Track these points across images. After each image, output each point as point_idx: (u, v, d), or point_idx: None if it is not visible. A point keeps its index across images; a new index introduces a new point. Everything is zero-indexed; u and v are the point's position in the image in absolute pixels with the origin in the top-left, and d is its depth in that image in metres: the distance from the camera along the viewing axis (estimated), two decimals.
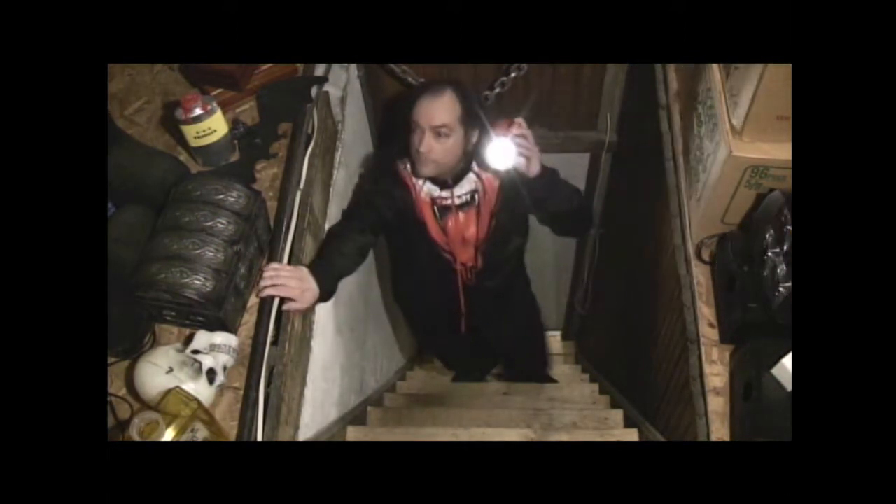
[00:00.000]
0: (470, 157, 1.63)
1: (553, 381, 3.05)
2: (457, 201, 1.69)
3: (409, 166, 1.66)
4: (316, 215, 1.64)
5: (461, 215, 1.71)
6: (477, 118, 1.58)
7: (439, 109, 1.53)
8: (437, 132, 1.54)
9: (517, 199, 1.67)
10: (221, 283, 1.30)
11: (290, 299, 1.40)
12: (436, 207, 1.70)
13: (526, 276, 2.22)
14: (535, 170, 1.55)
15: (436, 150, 1.56)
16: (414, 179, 1.66)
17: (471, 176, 1.67)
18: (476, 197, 1.69)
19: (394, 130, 1.95)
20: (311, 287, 1.45)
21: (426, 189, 1.68)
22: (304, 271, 1.45)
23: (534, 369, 2.93)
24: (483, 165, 1.64)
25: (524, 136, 1.50)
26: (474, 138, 1.60)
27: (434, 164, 1.59)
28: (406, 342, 3.23)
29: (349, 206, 1.84)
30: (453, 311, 1.99)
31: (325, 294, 1.51)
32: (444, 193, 1.68)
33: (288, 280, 1.39)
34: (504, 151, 1.50)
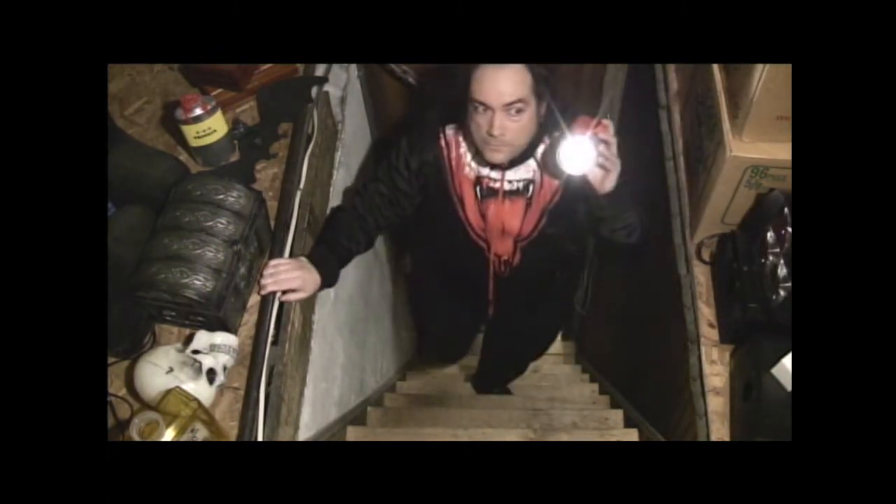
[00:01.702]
0: (538, 135, 1.39)
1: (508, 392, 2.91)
2: (506, 186, 1.45)
3: (458, 135, 1.45)
4: (316, 215, 1.64)
5: (507, 203, 1.47)
6: (546, 85, 1.32)
7: (510, 82, 1.26)
8: (512, 108, 1.28)
9: (577, 207, 1.44)
10: (221, 283, 1.30)
11: (292, 290, 1.39)
12: (479, 187, 1.47)
13: (568, 290, 1.99)
14: (608, 186, 1.28)
15: (511, 130, 1.31)
16: (460, 150, 1.45)
17: (530, 162, 1.42)
18: (531, 188, 1.44)
19: (437, 97, 1.74)
20: (311, 276, 1.42)
21: (472, 164, 1.46)
22: (304, 261, 1.42)
23: (502, 379, 2.82)
24: (547, 162, 1.40)
25: (608, 142, 1.24)
26: (544, 108, 1.35)
27: (509, 147, 1.34)
28: (406, 343, 3.23)
29: (366, 181, 1.61)
30: (480, 297, 1.77)
31: (329, 281, 1.47)
32: (494, 174, 1.45)
33: (287, 273, 1.38)
34: (579, 153, 1.23)
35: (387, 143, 2.14)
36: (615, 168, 1.26)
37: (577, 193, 1.38)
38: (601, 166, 1.25)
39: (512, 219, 1.50)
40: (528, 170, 1.42)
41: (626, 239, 1.39)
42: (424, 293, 2.22)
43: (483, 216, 1.50)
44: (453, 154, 1.45)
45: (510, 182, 1.44)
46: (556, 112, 1.33)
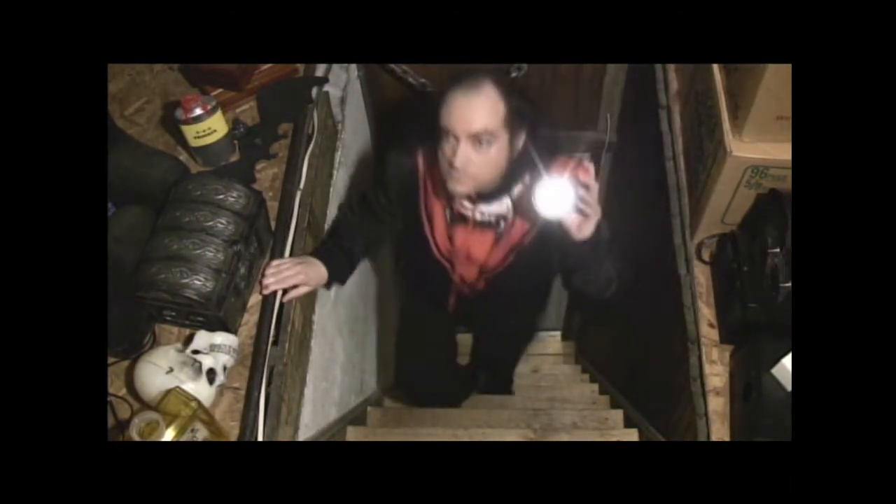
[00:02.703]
0: (512, 171, 1.29)
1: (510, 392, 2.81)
2: (478, 216, 1.38)
3: (425, 158, 1.41)
4: (316, 215, 1.65)
5: (476, 233, 1.41)
6: (524, 116, 1.25)
7: (478, 110, 1.19)
8: (477, 140, 1.20)
9: (549, 250, 1.37)
10: (221, 283, 1.30)
11: (294, 286, 1.42)
12: (450, 210, 1.41)
13: (540, 303, 1.91)
14: (585, 233, 1.19)
15: (475, 162, 1.22)
16: (435, 172, 1.36)
17: (505, 199, 1.34)
18: (502, 223, 1.38)
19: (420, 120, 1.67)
20: (315, 269, 1.45)
21: (442, 186, 1.37)
22: (306, 257, 1.46)
23: (503, 380, 2.73)
24: (522, 201, 1.33)
25: (588, 187, 1.14)
26: (520, 143, 1.27)
27: (472, 180, 1.25)
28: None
29: (355, 198, 1.64)
30: (442, 303, 1.72)
31: (337, 276, 1.52)
32: (466, 202, 1.37)
33: (289, 269, 1.41)
34: (555, 197, 1.15)
35: (385, 146, 2.12)
36: (594, 214, 1.17)
37: (551, 237, 1.29)
38: (579, 211, 1.15)
39: (479, 249, 1.45)
40: (501, 205, 1.35)
41: (600, 293, 1.34)
42: (406, 290, 2.14)
43: (450, 239, 1.45)
44: (427, 174, 1.41)
45: (482, 213, 1.37)
46: (531, 150, 1.26)
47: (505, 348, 2.28)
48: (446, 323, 2.04)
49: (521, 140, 1.26)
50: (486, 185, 1.29)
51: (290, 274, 1.40)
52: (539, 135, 1.27)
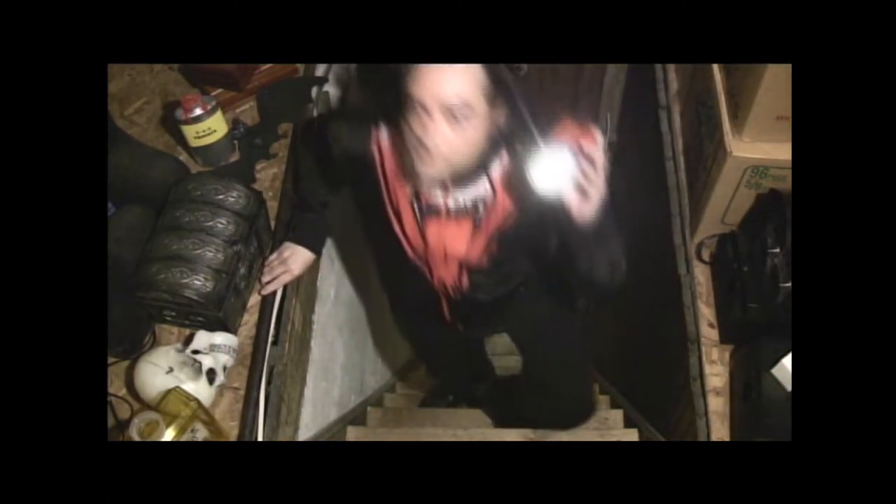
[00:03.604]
0: (490, 150, 1.10)
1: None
2: (451, 204, 1.16)
3: (395, 137, 1.15)
4: None
5: (451, 224, 1.19)
6: (507, 92, 1.04)
7: (455, 79, 1.00)
8: (453, 114, 1.00)
9: (537, 235, 1.18)
10: (221, 283, 1.30)
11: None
12: (417, 203, 1.18)
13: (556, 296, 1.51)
14: (587, 214, 0.99)
15: (448, 141, 1.03)
16: (395, 156, 1.16)
17: (482, 179, 1.14)
18: (479, 208, 1.16)
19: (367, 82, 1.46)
20: (299, 256, 1.44)
21: (408, 176, 1.15)
22: (288, 248, 1.44)
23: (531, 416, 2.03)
24: (508, 177, 1.13)
25: (593, 160, 0.95)
26: (501, 121, 1.07)
27: (446, 162, 1.05)
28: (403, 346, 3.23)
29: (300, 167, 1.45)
30: (436, 314, 1.45)
31: (317, 247, 1.48)
32: (436, 190, 1.16)
33: (280, 267, 1.43)
34: (554, 169, 0.96)
35: (323, 121, 1.57)
36: (598, 192, 0.97)
37: (540, 217, 1.11)
38: (580, 188, 0.96)
39: (456, 242, 1.21)
40: (478, 187, 1.14)
41: (607, 278, 1.14)
42: (392, 305, 1.77)
43: (423, 237, 1.21)
44: (386, 159, 1.17)
45: (456, 199, 1.16)
46: (523, 116, 1.03)
47: (549, 361, 1.79)
48: (459, 339, 1.74)
49: (502, 114, 1.07)
50: (461, 166, 1.09)
51: (282, 271, 1.42)
52: (529, 100, 1.05)
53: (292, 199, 1.52)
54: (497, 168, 1.13)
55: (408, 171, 1.13)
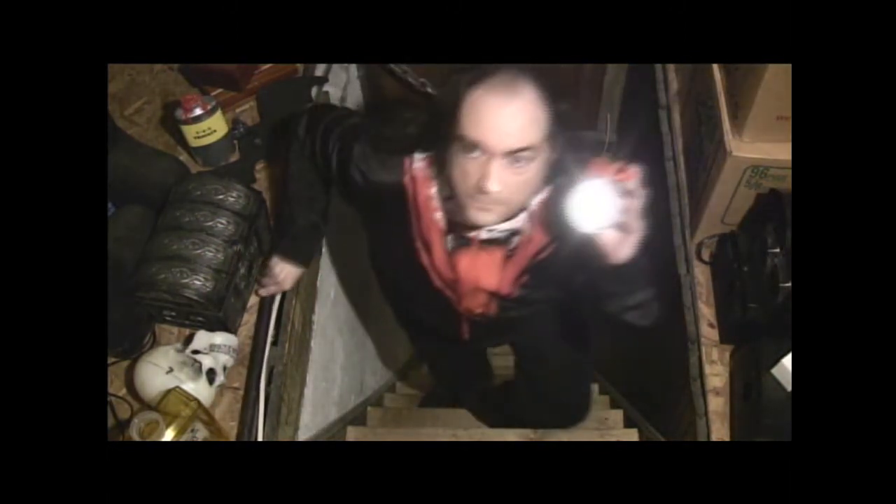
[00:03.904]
0: (540, 188, 1.05)
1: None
2: (483, 235, 1.10)
3: (431, 169, 1.09)
4: None
5: (483, 255, 1.13)
6: (562, 122, 0.99)
7: (520, 120, 0.93)
8: (517, 159, 0.94)
9: (570, 268, 1.11)
10: (221, 283, 1.30)
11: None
12: (451, 236, 1.12)
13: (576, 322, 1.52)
14: (623, 255, 0.94)
15: (511, 186, 0.96)
16: (431, 190, 1.10)
17: (522, 214, 1.08)
18: (514, 239, 1.11)
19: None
20: (289, 274, 1.42)
21: (442, 206, 1.10)
22: (277, 263, 1.40)
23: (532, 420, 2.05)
24: (545, 213, 1.07)
25: (633, 195, 0.90)
26: (556, 155, 1.01)
27: (503, 207, 1.00)
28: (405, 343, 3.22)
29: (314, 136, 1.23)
30: (451, 332, 1.39)
31: (304, 260, 1.44)
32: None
33: (273, 286, 1.42)
34: (594, 204, 0.91)
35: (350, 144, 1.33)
36: (637, 231, 0.92)
37: (574, 255, 1.05)
38: (619, 227, 0.92)
39: (488, 273, 1.16)
40: (515, 220, 1.09)
41: (638, 321, 1.10)
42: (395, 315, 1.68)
43: (453, 268, 1.16)
44: (420, 191, 1.10)
45: (490, 231, 1.09)
46: (565, 154, 1.00)
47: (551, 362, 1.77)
48: (470, 350, 1.77)
49: (558, 150, 1.01)
50: (516, 209, 1.04)
51: (275, 290, 1.42)
52: (568, 131, 1.02)
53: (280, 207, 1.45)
54: (536, 202, 1.07)
55: (443, 194, 1.09)
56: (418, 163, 1.10)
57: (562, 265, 1.12)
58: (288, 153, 1.28)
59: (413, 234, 1.14)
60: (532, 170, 0.97)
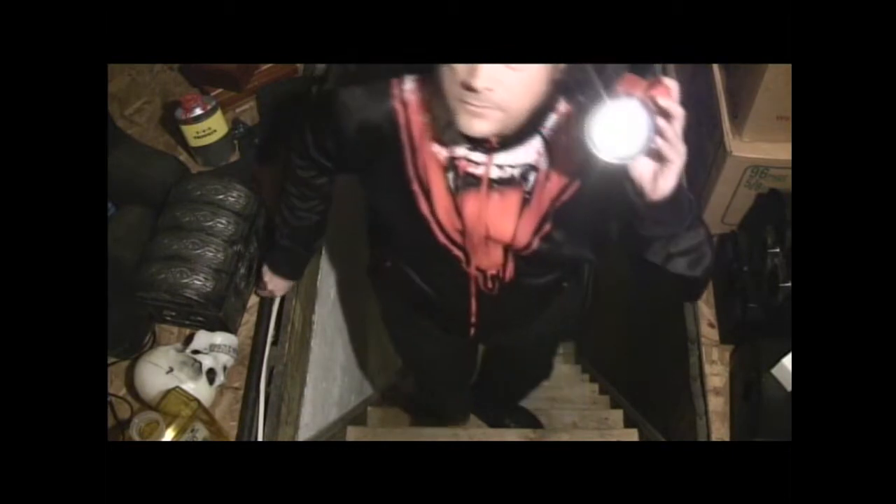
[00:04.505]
0: (548, 100, 0.89)
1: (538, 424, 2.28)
2: (493, 173, 0.96)
3: (422, 91, 0.97)
4: None
5: (494, 197, 0.98)
6: None
7: None
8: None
9: (602, 211, 0.95)
10: (221, 283, 1.30)
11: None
12: (452, 173, 0.97)
13: (576, 295, 1.35)
14: (664, 189, 0.80)
15: (504, 84, 0.83)
16: (425, 115, 0.96)
17: (534, 140, 0.94)
18: (531, 177, 0.96)
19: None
20: (280, 286, 1.41)
21: (442, 136, 0.96)
22: (267, 274, 1.38)
23: (500, 404, 2.23)
24: (565, 139, 0.92)
25: (671, 115, 0.76)
26: (562, 66, 0.88)
27: (499, 113, 0.85)
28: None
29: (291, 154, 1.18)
30: (457, 319, 1.24)
31: (297, 275, 1.43)
32: (476, 155, 0.95)
33: (263, 292, 1.42)
34: (620, 129, 0.76)
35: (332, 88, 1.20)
36: (678, 158, 0.77)
37: (604, 194, 0.89)
38: (655, 154, 0.77)
39: (501, 221, 1.00)
40: (529, 151, 0.94)
41: (688, 270, 0.90)
42: (389, 308, 1.52)
43: (459, 214, 1.00)
44: (414, 120, 0.96)
45: (501, 167, 0.95)
46: (586, 67, 0.86)
47: (522, 361, 1.73)
48: (465, 349, 1.64)
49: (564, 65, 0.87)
50: (516, 119, 0.87)
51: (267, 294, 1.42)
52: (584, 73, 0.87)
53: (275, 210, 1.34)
54: (553, 126, 0.92)
55: (444, 128, 0.94)
56: (409, 84, 0.98)
57: (590, 208, 0.96)
58: (288, 166, 1.21)
59: (409, 176, 0.99)
60: (531, 70, 0.84)
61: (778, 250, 1.31)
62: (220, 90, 1.68)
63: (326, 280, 1.83)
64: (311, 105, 1.17)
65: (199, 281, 1.28)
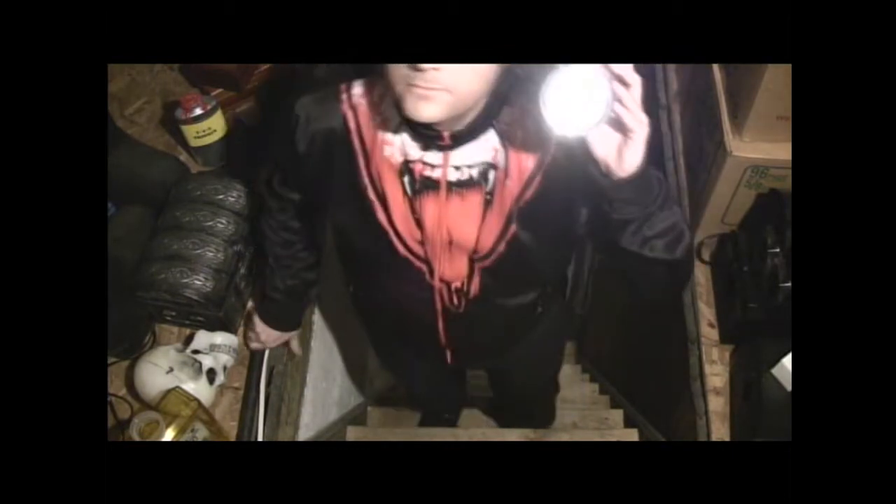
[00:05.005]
0: (499, 87, 0.85)
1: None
2: (451, 175, 0.92)
3: (371, 93, 0.94)
4: None
5: (454, 200, 0.94)
6: None
7: None
8: None
9: (568, 206, 0.93)
10: (221, 283, 1.30)
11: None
12: (408, 177, 0.94)
13: (559, 323, 1.34)
14: (631, 163, 0.76)
15: (451, 66, 0.80)
16: (376, 117, 0.93)
17: (489, 135, 0.90)
18: (490, 176, 0.92)
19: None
20: (273, 338, 1.33)
21: (395, 139, 0.92)
22: (258, 324, 1.31)
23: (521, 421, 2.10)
24: (521, 127, 0.89)
25: (627, 82, 0.74)
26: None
27: (447, 95, 0.80)
28: None
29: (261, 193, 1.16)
30: (430, 342, 1.18)
31: (291, 327, 1.34)
32: (431, 157, 0.92)
33: (255, 343, 1.35)
34: (580, 94, 0.72)
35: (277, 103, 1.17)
36: (640, 128, 0.74)
37: (568, 182, 0.87)
38: (617, 123, 0.73)
39: (463, 225, 0.96)
40: (485, 148, 0.90)
41: (666, 252, 0.86)
42: (369, 335, 1.47)
43: (418, 221, 0.96)
44: (364, 124, 0.93)
45: (458, 168, 0.91)
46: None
47: (532, 377, 1.66)
48: (451, 375, 1.63)
49: None
50: (466, 106, 0.84)
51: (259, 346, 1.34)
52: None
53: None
54: (507, 120, 0.90)
55: (396, 129, 0.90)
56: (356, 88, 0.95)
57: (556, 205, 0.93)
58: (260, 221, 1.18)
59: (364, 184, 0.95)
60: None
61: (778, 250, 1.31)
62: (220, 90, 1.68)
63: (327, 280, 1.83)
64: (269, 125, 1.10)
65: (200, 281, 1.28)
